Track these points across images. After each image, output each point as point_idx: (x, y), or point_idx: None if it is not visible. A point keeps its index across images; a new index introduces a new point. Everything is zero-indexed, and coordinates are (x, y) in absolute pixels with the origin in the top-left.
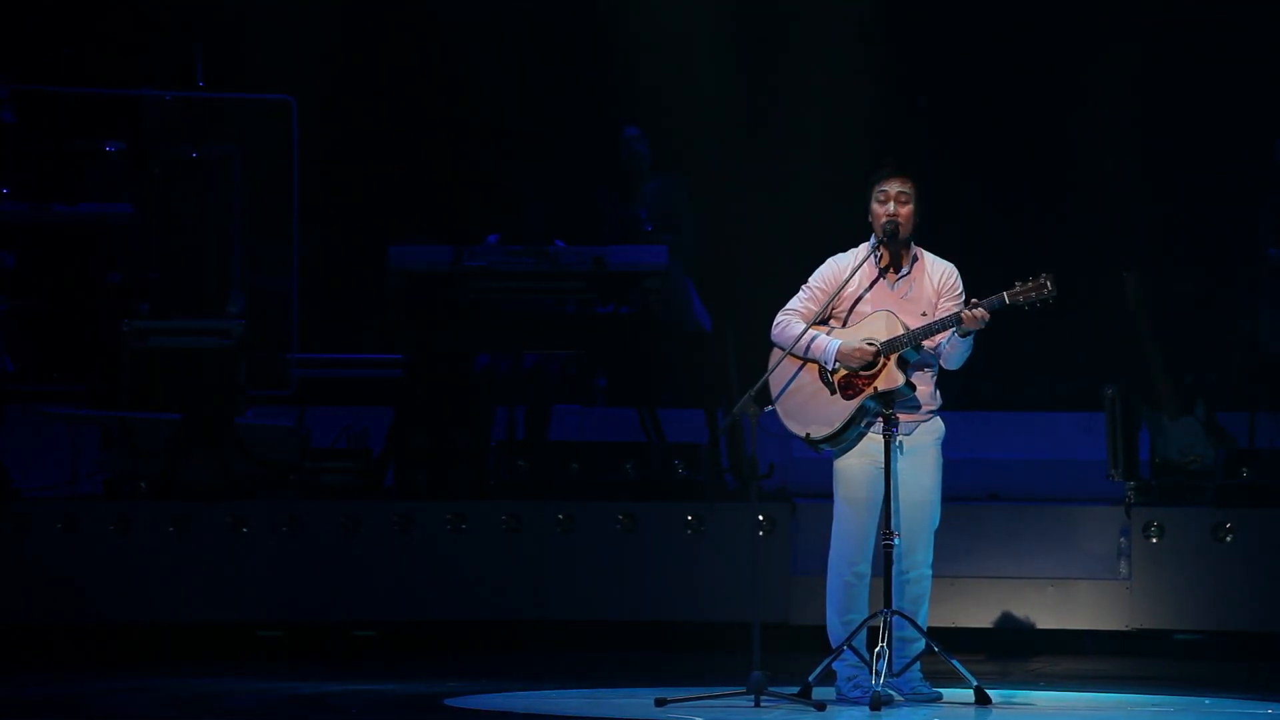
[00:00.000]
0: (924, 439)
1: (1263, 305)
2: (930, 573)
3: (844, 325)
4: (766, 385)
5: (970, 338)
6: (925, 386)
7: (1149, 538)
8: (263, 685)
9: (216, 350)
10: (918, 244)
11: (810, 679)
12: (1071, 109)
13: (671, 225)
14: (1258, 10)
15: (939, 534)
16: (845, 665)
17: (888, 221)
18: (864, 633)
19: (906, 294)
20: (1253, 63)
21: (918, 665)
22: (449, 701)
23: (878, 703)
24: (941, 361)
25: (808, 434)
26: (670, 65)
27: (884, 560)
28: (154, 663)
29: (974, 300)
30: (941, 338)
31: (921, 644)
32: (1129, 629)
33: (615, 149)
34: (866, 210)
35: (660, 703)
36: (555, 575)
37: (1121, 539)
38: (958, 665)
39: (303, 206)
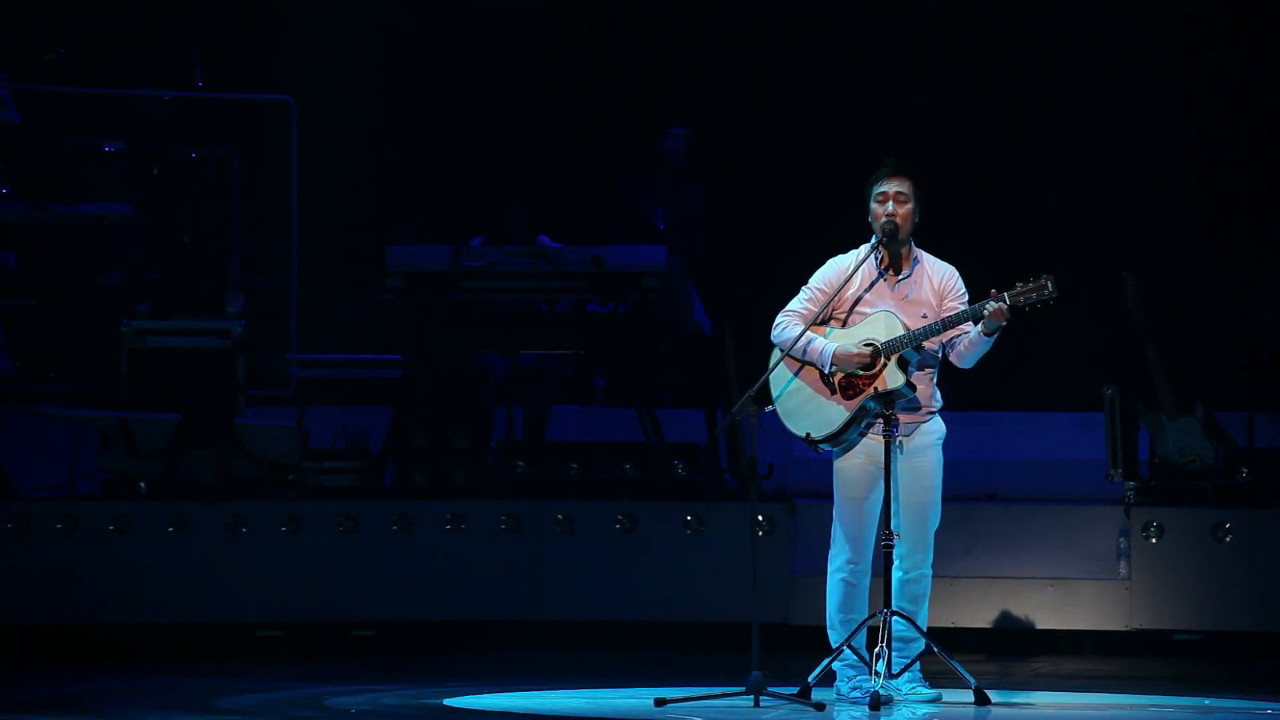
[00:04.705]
0: (924, 439)
1: (1274, 307)
2: (930, 573)
3: (844, 326)
4: (766, 385)
5: (994, 337)
6: (926, 387)
7: (1148, 538)
8: (263, 685)
9: (216, 350)
10: (918, 245)
11: (810, 679)
12: (1072, 109)
13: (686, 229)
14: (1263, 11)
15: (939, 534)
16: (845, 665)
17: (886, 221)
18: (864, 633)
19: (907, 295)
20: (1256, 63)
21: (917, 665)
22: (449, 701)
23: (877, 703)
24: (954, 359)
25: (808, 434)
26: (670, 65)
27: (884, 560)
28: (154, 663)
29: (981, 301)
30: (944, 338)
31: (921, 644)
32: (1128, 629)
33: (656, 145)
34: (866, 211)
35: (660, 703)
36: (555, 575)
37: (1121, 539)
38: (957, 665)
39: (302, 206)
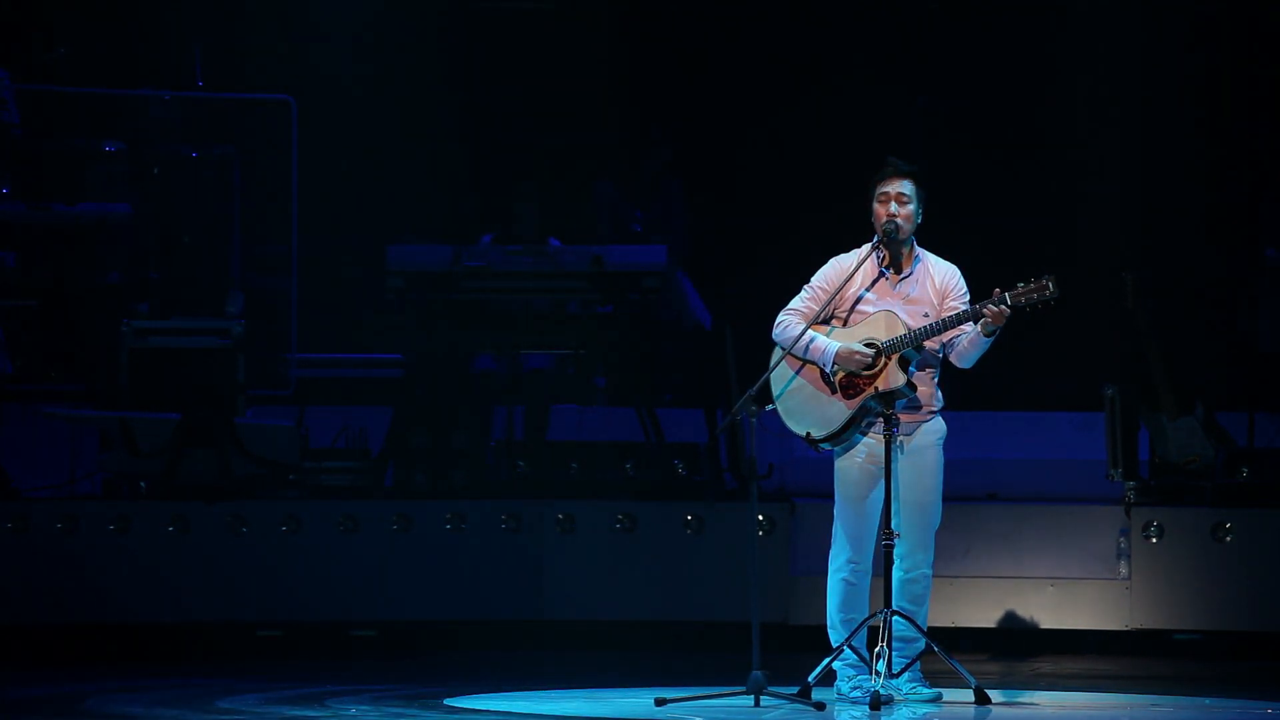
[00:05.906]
0: (925, 439)
1: (1262, 306)
2: (931, 572)
3: (845, 325)
4: (767, 385)
5: (993, 336)
6: (926, 387)
7: (1148, 538)
8: (263, 685)
9: (216, 350)
10: (920, 245)
11: (810, 679)
12: (1072, 109)
13: (664, 226)
14: (1259, 12)
15: (939, 534)
16: (845, 665)
17: (888, 222)
18: (864, 633)
19: (909, 294)
20: (1255, 61)
21: (918, 665)
22: (449, 701)
23: (878, 703)
24: (954, 359)
25: (808, 433)
26: (670, 67)
27: (884, 560)
28: (154, 663)
29: (982, 302)
30: (944, 338)
31: (921, 644)
32: (1128, 629)
33: (637, 148)
34: (868, 210)
35: (660, 703)
36: (555, 575)
37: (1121, 539)
38: (957, 665)
39: (302, 206)
